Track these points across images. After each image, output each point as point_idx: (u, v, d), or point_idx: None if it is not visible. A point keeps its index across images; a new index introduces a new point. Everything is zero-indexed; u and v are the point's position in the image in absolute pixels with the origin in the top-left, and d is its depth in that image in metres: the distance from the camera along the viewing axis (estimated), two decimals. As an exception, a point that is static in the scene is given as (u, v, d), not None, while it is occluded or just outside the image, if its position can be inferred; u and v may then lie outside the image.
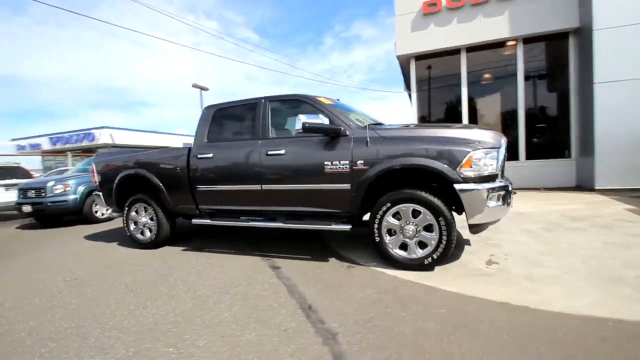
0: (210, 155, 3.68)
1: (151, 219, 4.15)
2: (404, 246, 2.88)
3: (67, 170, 9.95)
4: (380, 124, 3.60)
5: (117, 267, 3.52)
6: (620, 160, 6.44)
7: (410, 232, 2.81)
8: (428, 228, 2.77)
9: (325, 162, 3.04)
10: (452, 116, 8.81)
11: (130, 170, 4.20)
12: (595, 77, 6.56)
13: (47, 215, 6.72)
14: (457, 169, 2.61)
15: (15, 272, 3.62)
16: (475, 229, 2.79)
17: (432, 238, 2.75)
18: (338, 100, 3.83)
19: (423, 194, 2.72)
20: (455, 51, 8.41)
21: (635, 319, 1.89)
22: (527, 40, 7.85)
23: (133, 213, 4.25)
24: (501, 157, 2.75)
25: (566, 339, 1.74)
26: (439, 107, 9.23)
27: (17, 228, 7.01)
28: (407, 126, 3.32)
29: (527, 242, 3.48)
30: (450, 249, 2.73)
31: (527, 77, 8.01)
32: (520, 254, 3.11)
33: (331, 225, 3.11)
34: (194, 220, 3.87)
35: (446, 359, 1.64)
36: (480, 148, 2.63)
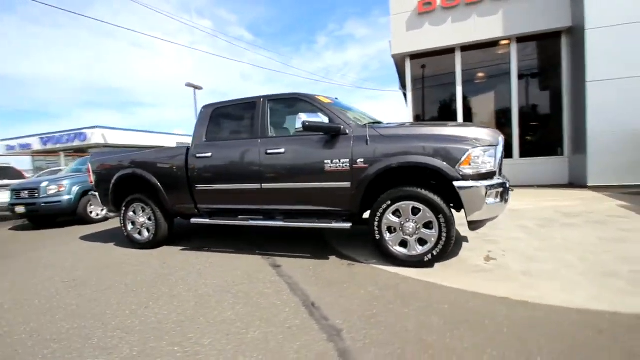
0: (209, 154, 3.67)
1: (149, 219, 4.12)
2: (404, 243, 2.92)
3: (60, 170, 9.82)
4: (378, 122, 3.63)
5: (116, 267, 3.50)
6: (612, 157, 6.57)
7: (410, 230, 2.84)
8: (428, 225, 2.81)
9: (326, 161, 3.06)
10: (447, 115, 8.89)
11: (127, 170, 4.17)
12: (587, 76, 6.67)
13: (40, 216, 6.62)
14: (456, 166, 2.65)
15: (13, 273, 3.58)
16: (474, 225, 2.83)
17: (431, 235, 2.78)
18: (336, 99, 3.85)
19: (423, 191, 2.75)
20: (450, 50, 8.48)
21: (631, 312, 1.94)
22: (521, 39, 7.95)
23: (130, 213, 4.22)
24: (499, 154, 2.79)
25: (565, 332, 1.78)
26: (434, 105, 9.31)
27: (10, 229, 6.91)
28: (404, 125, 3.35)
29: (523, 239, 3.54)
30: (449, 246, 2.77)
31: (520, 76, 8.12)
32: (517, 250, 3.17)
33: (331, 223, 3.13)
34: (193, 220, 3.86)
35: (449, 353, 1.67)
36: (478, 146, 2.67)
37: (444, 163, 2.67)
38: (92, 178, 4.52)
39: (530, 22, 7.60)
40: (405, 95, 10.15)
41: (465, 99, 8.61)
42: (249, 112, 3.65)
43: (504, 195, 2.79)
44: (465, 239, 3.61)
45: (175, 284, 2.89)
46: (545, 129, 8.15)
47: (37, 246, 4.89)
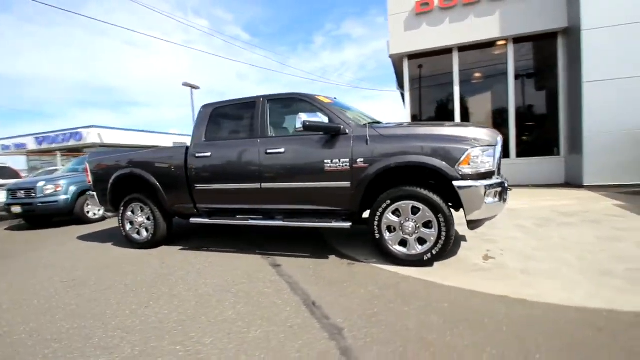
0: (209, 154, 3.67)
1: (148, 219, 4.11)
2: (403, 243, 2.93)
3: (56, 170, 9.75)
4: (378, 122, 3.64)
5: (115, 267, 3.48)
6: (607, 157, 6.64)
7: (410, 229, 2.86)
8: (427, 224, 2.83)
9: (325, 160, 3.07)
10: (444, 115, 8.93)
11: (126, 170, 4.15)
12: (584, 77, 6.73)
13: (37, 216, 6.58)
14: (456, 166, 2.67)
15: (12, 273, 3.55)
16: (472, 225, 2.86)
17: (431, 234, 2.80)
18: (335, 98, 3.86)
19: (423, 191, 2.77)
20: (448, 50, 8.52)
21: (629, 310, 1.97)
22: (517, 40, 8.01)
23: (129, 213, 4.21)
24: (497, 154, 2.81)
25: (564, 330, 1.80)
26: (432, 105, 9.34)
27: (6, 229, 6.86)
28: (404, 125, 3.37)
29: (521, 238, 3.57)
30: (449, 245, 2.79)
31: (517, 76, 8.18)
32: (515, 249, 3.19)
33: (331, 222, 3.14)
34: (192, 220, 3.85)
35: (450, 351, 1.69)
36: (477, 146, 2.70)
37: (444, 163, 2.69)
38: (90, 178, 4.50)
39: (526, 22, 7.66)
40: (402, 95, 10.18)
41: (462, 99, 8.65)
42: (249, 112, 3.65)
43: (502, 195, 2.81)
44: (464, 238, 3.63)
45: (175, 283, 2.89)
46: (542, 129, 8.21)
47: (35, 246, 4.86)
